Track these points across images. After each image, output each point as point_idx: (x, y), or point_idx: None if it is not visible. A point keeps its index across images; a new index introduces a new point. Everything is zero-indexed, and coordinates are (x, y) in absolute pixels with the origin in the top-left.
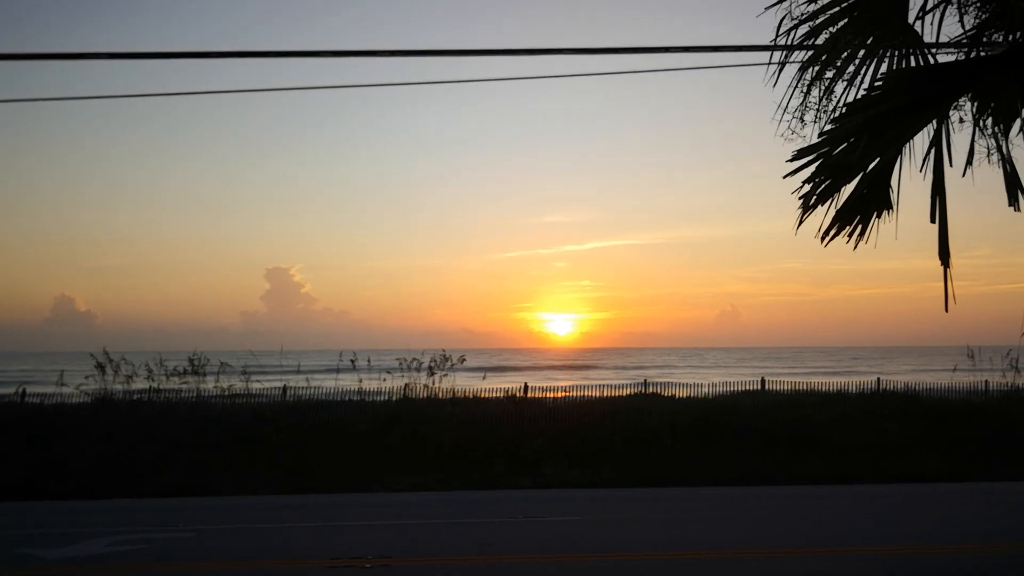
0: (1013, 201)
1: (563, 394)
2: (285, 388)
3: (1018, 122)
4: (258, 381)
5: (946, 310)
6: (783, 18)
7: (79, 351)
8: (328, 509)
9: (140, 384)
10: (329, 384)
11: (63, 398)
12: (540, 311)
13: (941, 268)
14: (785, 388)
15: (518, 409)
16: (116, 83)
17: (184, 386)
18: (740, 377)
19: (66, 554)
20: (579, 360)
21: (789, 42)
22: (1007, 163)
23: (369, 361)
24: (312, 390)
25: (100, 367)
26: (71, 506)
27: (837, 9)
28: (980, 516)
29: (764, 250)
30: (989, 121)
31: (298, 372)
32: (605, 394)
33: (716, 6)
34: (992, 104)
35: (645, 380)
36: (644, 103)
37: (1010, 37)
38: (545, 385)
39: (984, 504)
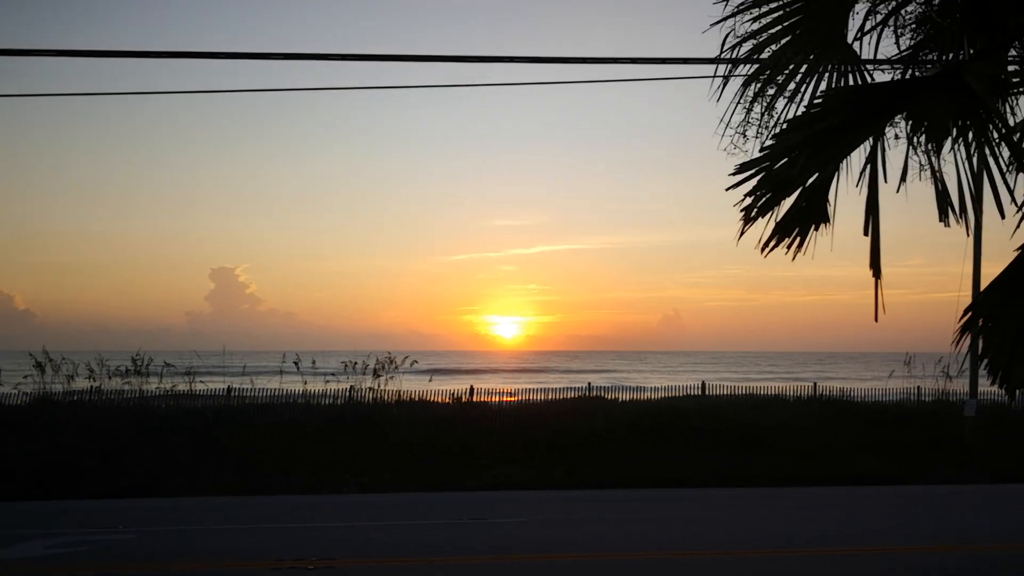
0: (943, 216)
1: (509, 398)
2: (229, 389)
3: (949, 141)
4: (202, 382)
5: (876, 319)
6: (727, 35)
7: (17, 350)
8: (274, 510)
9: (81, 384)
10: (274, 386)
11: (1, 398)
12: (487, 314)
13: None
14: (725, 392)
15: (464, 412)
16: (61, 80)
17: (127, 386)
18: (682, 381)
19: (1, 556)
20: (525, 363)
21: (733, 57)
22: (938, 181)
23: (314, 363)
24: (257, 391)
25: (39, 366)
26: (9, 507)
27: (779, 27)
28: (928, 518)
29: (706, 256)
30: (923, 139)
31: (243, 373)
32: (551, 397)
33: (664, 21)
34: (925, 123)
35: (589, 384)
36: (593, 111)
37: (943, 58)
38: (491, 388)
39: (930, 506)
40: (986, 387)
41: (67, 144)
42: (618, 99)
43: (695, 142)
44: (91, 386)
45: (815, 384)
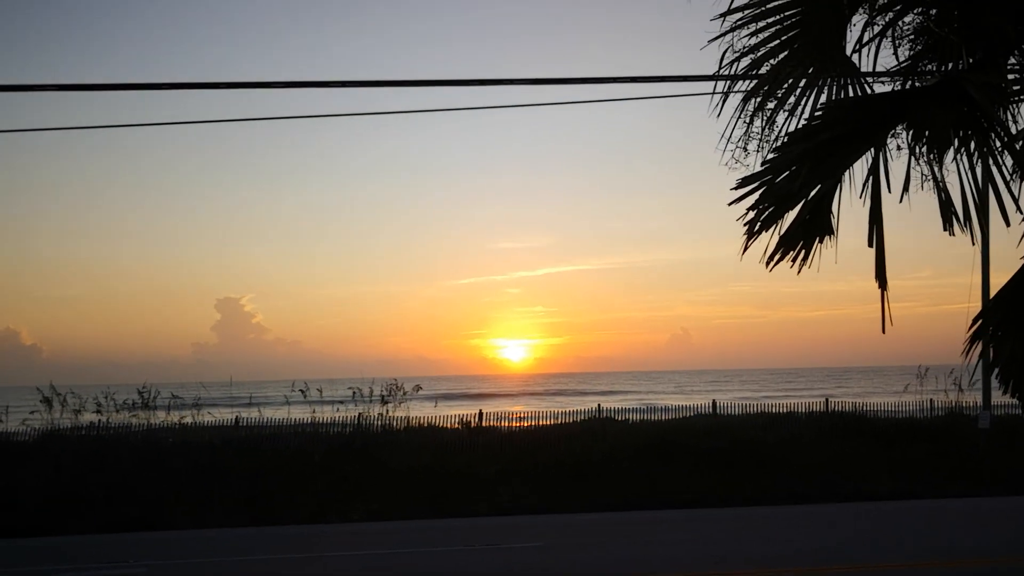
0: (948, 226)
1: (518, 423)
2: (237, 419)
3: (951, 151)
4: (209, 413)
5: (883, 331)
6: (726, 51)
7: (24, 386)
8: (283, 540)
9: (89, 418)
10: (281, 415)
11: (8, 435)
12: (494, 337)
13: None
14: (736, 411)
15: (473, 436)
16: (63, 115)
17: (134, 420)
18: (694, 400)
19: None
20: (534, 386)
21: (732, 73)
22: (941, 190)
23: (320, 391)
24: (264, 421)
25: (47, 401)
26: (18, 543)
27: (777, 42)
28: (942, 533)
29: (713, 274)
30: (924, 149)
31: (250, 404)
32: (560, 420)
33: (662, 39)
34: (927, 133)
35: (599, 405)
36: (593, 131)
37: (942, 68)
38: (500, 412)
39: (944, 521)
40: (999, 399)
41: (68, 178)
42: (618, 118)
43: (698, 159)
44: (98, 420)
45: (827, 400)
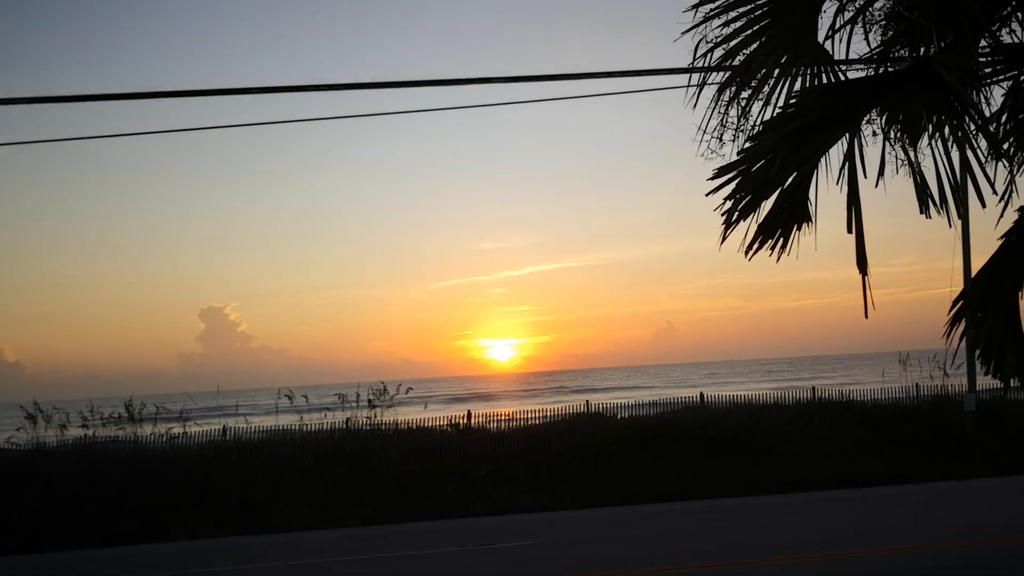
0: (924, 209)
1: (507, 419)
2: (225, 428)
3: (926, 135)
4: (197, 424)
5: (866, 316)
6: (699, 42)
7: (9, 403)
8: (276, 549)
9: (75, 432)
10: (269, 423)
11: None
12: (480, 338)
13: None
14: (725, 403)
15: (463, 437)
16: (36, 127)
17: (120, 433)
18: (681, 393)
19: None
20: (522, 385)
21: (706, 64)
22: (916, 173)
23: (307, 398)
24: (252, 429)
25: (31, 417)
26: (12, 560)
27: (750, 31)
28: (934, 515)
29: (696, 267)
30: (899, 134)
31: (236, 413)
32: (549, 418)
33: (636, 32)
34: (900, 116)
35: (587, 402)
36: (573, 127)
37: (914, 53)
38: (489, 412)
39: (935, 503)
40: (984, 382)
41: (47, 191)
42: (597, 114)
43: (679, 152)
44: (85, 435)
45: (814, 388)
